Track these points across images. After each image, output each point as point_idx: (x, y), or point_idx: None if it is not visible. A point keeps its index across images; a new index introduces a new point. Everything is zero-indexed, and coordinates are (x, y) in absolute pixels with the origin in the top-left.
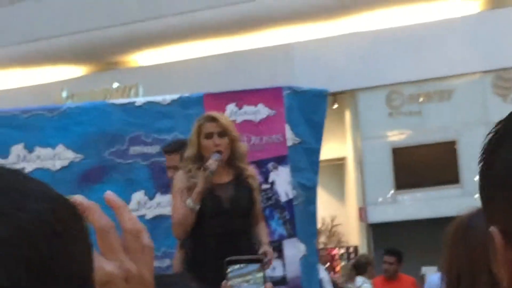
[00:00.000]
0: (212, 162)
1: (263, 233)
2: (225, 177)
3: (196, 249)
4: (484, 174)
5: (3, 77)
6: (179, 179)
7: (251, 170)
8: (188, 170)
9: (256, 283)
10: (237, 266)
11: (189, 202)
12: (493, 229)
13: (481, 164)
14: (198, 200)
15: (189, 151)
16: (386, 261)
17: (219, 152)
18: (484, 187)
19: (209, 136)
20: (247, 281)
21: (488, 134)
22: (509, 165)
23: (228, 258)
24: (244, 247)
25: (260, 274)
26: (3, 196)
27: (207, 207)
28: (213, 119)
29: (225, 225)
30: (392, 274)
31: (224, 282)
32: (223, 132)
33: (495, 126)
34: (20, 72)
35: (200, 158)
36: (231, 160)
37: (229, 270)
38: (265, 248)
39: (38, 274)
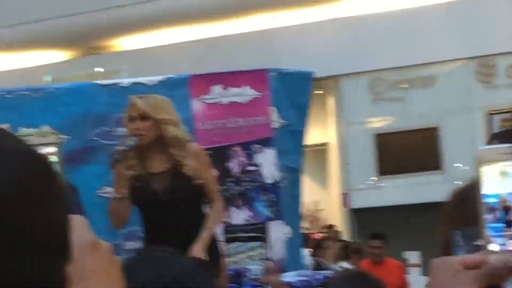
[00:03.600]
0: (116, 149)
1: (211, 216)
2: (161, 166)
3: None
4: None
5: None
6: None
7: (194, 148)
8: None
9: (260, 259)
10: (240, 243)
11: (112, 191)
12: None
13: None
14: (118, 188)
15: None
16: (374, 245)
17: (139, 136)
18: None
19: (131, 119)
20: (250, 257)
21: None
22: None
23: (229, 235)
24: (184, 239)
25: (262, 251)
26: None
27: (144, 200)
28: (133, 103)
29: (164, 217)
30: (381, 258)
31: (224, 259)
32: (144, 115)
33: None
34: (3, 57)
35: None
36: (164, 147)
37: (231, 247)
38: (203, 233)
39: (12, 237)
